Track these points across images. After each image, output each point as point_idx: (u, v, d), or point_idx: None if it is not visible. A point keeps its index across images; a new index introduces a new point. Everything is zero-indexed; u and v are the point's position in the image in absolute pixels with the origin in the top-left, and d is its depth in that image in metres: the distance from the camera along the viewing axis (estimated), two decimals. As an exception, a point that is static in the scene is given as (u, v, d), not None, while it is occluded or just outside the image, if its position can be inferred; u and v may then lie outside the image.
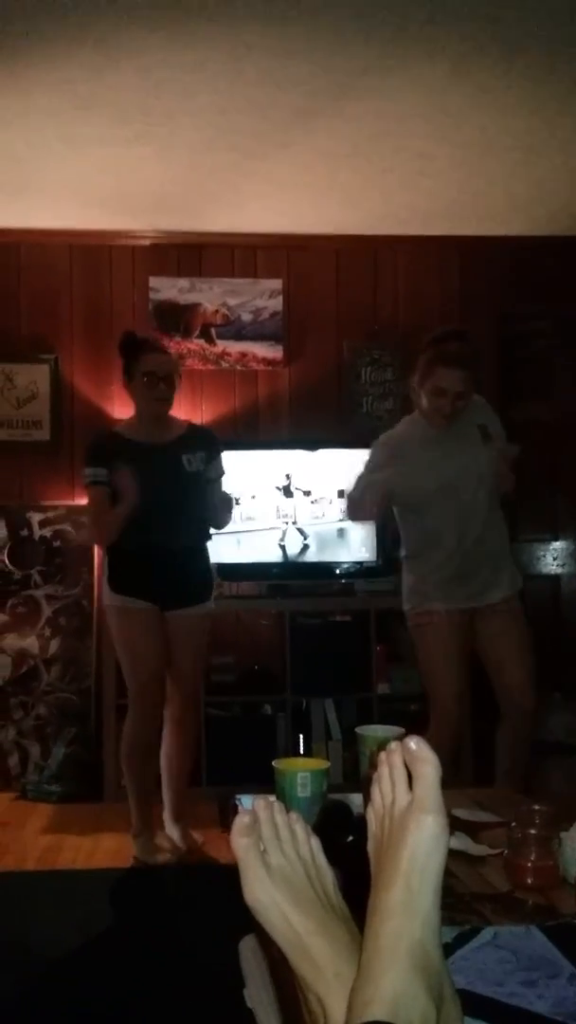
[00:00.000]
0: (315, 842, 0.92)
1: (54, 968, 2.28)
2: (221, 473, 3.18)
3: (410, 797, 0.83)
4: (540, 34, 2.69)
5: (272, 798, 0.93)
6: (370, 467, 2.91)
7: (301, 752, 3.81)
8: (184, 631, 3.09)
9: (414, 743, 0.84)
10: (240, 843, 0.88)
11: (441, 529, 2.85)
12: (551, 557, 4.57)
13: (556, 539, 4.55)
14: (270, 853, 0.89)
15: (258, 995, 1.41)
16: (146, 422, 3.07)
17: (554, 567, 4.57)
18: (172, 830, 3.16)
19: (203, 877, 2.88)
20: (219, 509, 3.17)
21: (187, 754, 3.23)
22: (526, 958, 1.08)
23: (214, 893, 2.69)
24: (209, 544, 3.21)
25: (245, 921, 0.93)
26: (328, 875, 0.91)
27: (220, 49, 2.72)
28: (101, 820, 3.43)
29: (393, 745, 0.87)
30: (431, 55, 2.78)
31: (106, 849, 3.13)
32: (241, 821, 0.89)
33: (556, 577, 4.57)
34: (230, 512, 3.22)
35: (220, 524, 3.21)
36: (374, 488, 2.84)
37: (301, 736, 3.84)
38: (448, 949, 1.00)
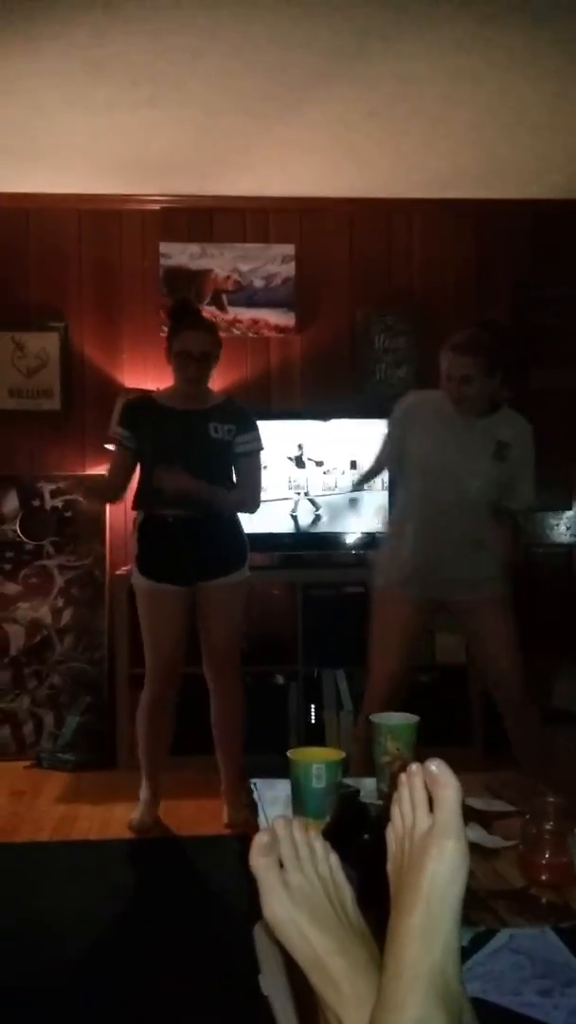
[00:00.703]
0: (334, 858, 0.92)
1: (68, 942, 2.32)
2: (254, 450, 3.11)
3: (430, 821, 0.83)
4: (564, -4, 2.60)
5: (293, 819, 0.93)
6: (389, 422, 3.01)
7: (312, 721, 3.84)
8: (215, 603, 3.06)
9: (435, 766, 0.83)
10: (259, 863, 0.88)
11: (422, 505, 2.86)
12: (564, 527, 4.54)
13: (570, 508, 4.52)
14: (289, 872, 0.88)
15: (273, 982, 1.42)
16: (180, 391, 3.07)
17: (567, 536, 4.54)
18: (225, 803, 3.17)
19: (220, 848, 2.91)
20: (246, 487, 3.10)
21: (232, 722, 3.19)
22: (541, 963, 1.08)
23: (231, 865, 2.73)
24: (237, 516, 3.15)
25: (257, 899, 0.93)
26: (347, 892, 0.91)
27: (230, 12, 2.64)
28: (114, 789, 3.47)
29: (414, 767, 0.86)
30: (452, 16, 2.69)
31: (120, 819, 3.17)
32: (260, 840, 0.89)
33: (569, 546, 4.55)
34: (255, 497, 3.13)
35: (244, 505, 3.12)
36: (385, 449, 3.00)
37: (312, 706, 3.86)
38: (464, 953, 1.00)
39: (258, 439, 3.12)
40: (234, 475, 3.11)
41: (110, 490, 3.21)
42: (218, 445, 3.03)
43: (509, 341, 3.01)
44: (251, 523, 3.96)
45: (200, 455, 3.00)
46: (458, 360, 2.76)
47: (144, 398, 3.19)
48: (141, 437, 3.03)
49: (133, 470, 3.10)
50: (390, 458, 3.03)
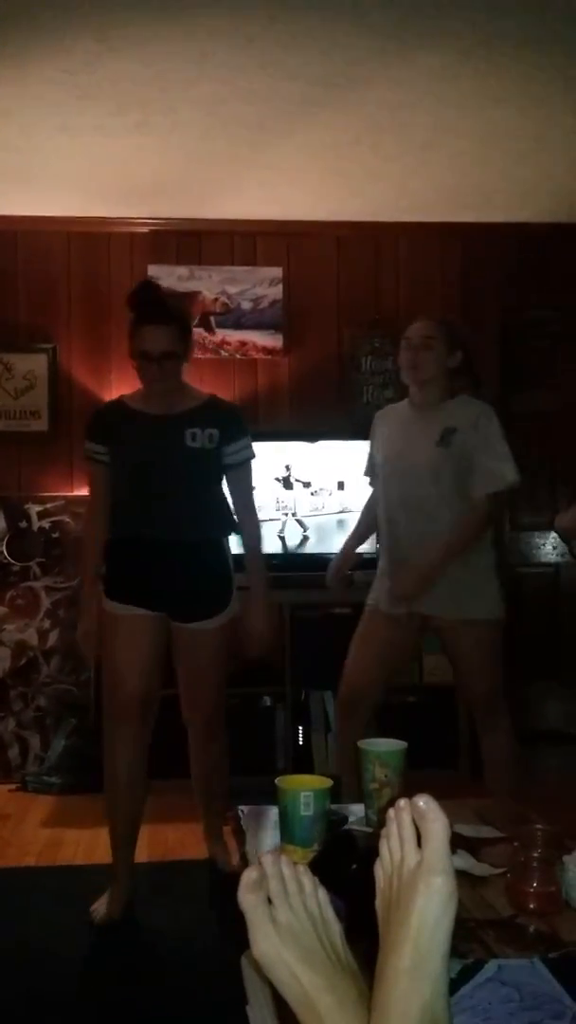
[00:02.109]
0: (323, 894, 0.92)
1: (53, 968, 2.30)
2: (244, 459, 2.67)
3: (419, 856, 0.83)
4: (551, 27, 2.64)
5: (281, 855, 0.93)
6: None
7: (300, 743, 3.83)
8: (193, 647, 2.65)
9: (423, 802, 0.84)
10: (248, 899, 0.88)
11: (387, 514, 2.81)
12: (550, 546, 4.57)
13: (554, 528, 4.54)
14: (278, 908, 0.88)
15: (261, 1013, 1.42)
16: (150, 393, 2.62)
17: (553, 556, 4.57)
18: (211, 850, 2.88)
19: (206, 873, 2.89)
20: (244, 509, 2.69)
21: (217, 776, 2.82)
22: (530, 996, 1.08)
23: (221, 891, 2.71)
24: (228, 540, 2.72)
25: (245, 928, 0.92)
26: (336, 928, 0.91)
27: (221, 39, 2.67)
28: (101, 812, 3.43)
29: (402, 803, 0.86)
30: (437, 45, 2.73)
31: (106, 843, 3.14)
32: (248, 877, 0.89)
33: (555, 566, 4.58)
34: (255, 518, 2.74)
35: (254, 538, 2.72)
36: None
37: (300, 728, 3.85)
38: (453, 984, 1.00)
39: (249, 446, 2.68)
40: (221, 483, 2.69)
41: (92, 517, 2.72)
42: (197, 456, 2.57)
43: (468, 339, 2.92)
44: (238, 544, 3.97)
45: (174, 469, 2.57)
46: (419, 325, 2.77)
47: (115, 404, 2.75)
48: (114, 450, 2.62)
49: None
50: (370, 476, 3.02)
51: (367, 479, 3.06)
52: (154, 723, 2.63)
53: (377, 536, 2.94)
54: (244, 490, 2.70)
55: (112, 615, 2.60)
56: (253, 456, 2.71)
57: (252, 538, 2.73)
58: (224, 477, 2.67)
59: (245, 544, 2.72)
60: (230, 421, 2.65)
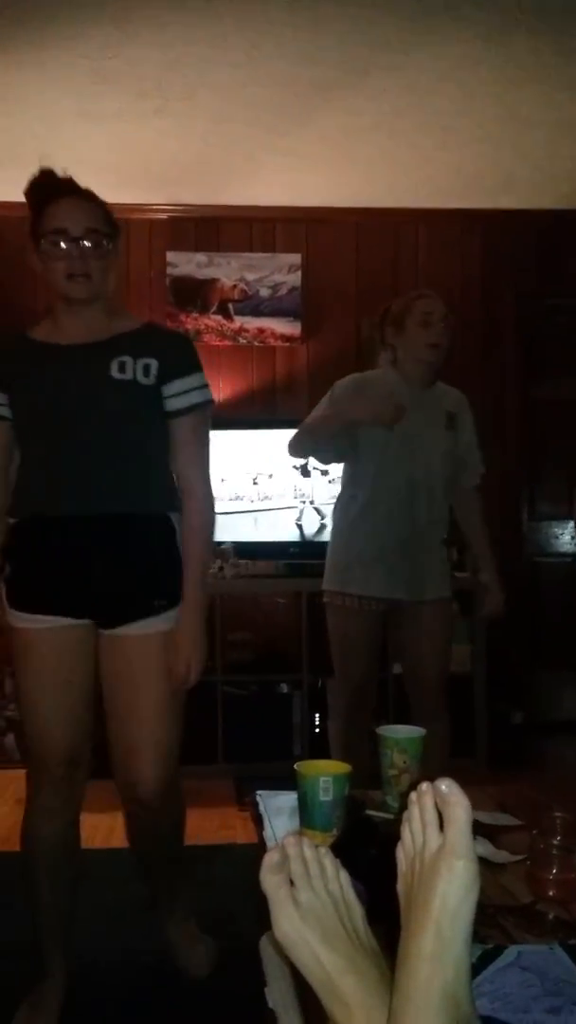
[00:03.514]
0: (344, 877, 0.92)
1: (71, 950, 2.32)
2: (193, 403, 1.87)
3: (441, 840, 0.83)
4: (573, 12, 2.61)
5: (303, 837, 0.93)
6: (331, 400, 2.69)
7: (316, 730, 3.83)
8: (128, 663, 1.85)
9: (445, 786, 0.84)
10: (270, 881, 0.88)
11: (381, 496, 2.65)
12: (568, 536, 4.54)
13: (572, 518, 4.52)
14: (300, 890, 0.89)
15: (280, 995, 1.42)
16: (63, 313, 1.86)
17: (571, 546, 4.55)
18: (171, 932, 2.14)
19: (224, 857, 2.91)
20: (192, 473, 1.90)
21: (162, 846, 2.04)
22: (550, 981, 1.08)
23: (235, 875, 2.72)
24: (174, 516, 1.89)
25: (265, 910, 0.92)
26: (357, 910, 0.91)
27: (240, 23, 2.66)
28: (117, 796, 3.46)
29: (424, 786, 0.86)
30: (460, 29, 2.71)
31: (122, 828, 3.16)
32: (270, 859, 0.89)
33: (573, 556, 4.56)
34: (207, 490, 1.93)
35: (190, 504, 1.90)
36: (341, 414, 2.59)
37: (317, 715, 3.85)
38: (472, 970, 1.00)
39: (203, 386, 1.90)
40: (163, 437, 1.88)
41: None
42: (127, 392, 1.81)
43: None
44: (256, 531, 3.98)
45: (95, 414, 1.80)
46: (435, 302, 2.66)
47: (12, 337, 1.93)
48: (16, 398, 1.85)
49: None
50: (337, 443, 2.69)
51: (327, 453, 2.80)
52: (88, 776, 1.93)
53: (355, 518, 2.69)
54: (192, 448, 1.90)
55: (20, 633, 1.85)
56: (208, 401, 1.91)
57: (198, 515, 1.90)
58: (172, 426, 1.88)
59: (185, 523, 1.89)
60: (175, 348, 1.89)
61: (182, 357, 1.89)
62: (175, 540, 1.89)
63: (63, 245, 1.78)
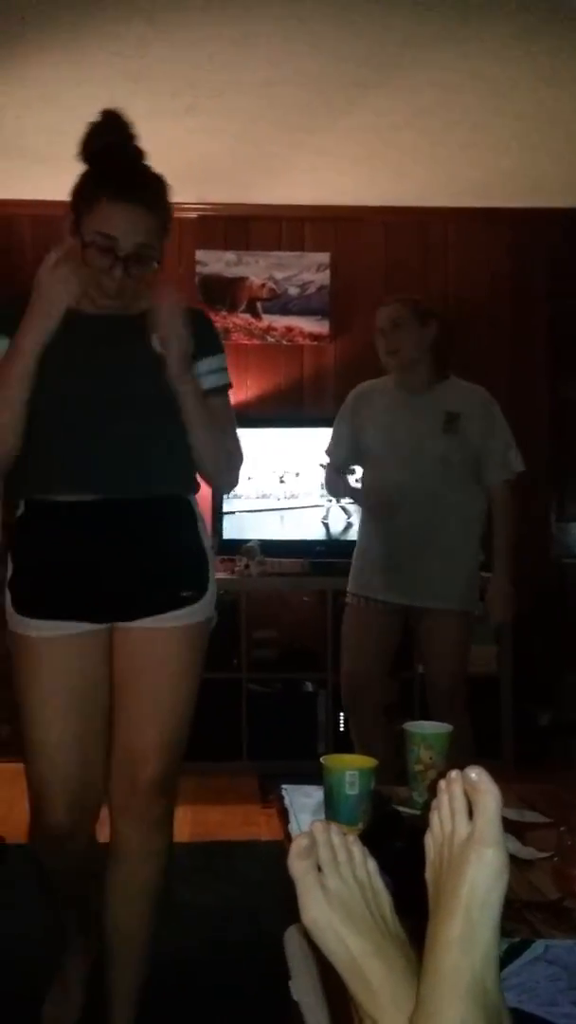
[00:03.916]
0: (372, 864, 0.92)
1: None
2: (223, 383, 1.78)
3: (470, 828, 0.83)
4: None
5: (331, 824, 0.93)
6: (338, 418, 2.93)
7: (341, 728, 3.83)
8: (148, 659, 1.66)
9: (475, 773, 0.83)
10: (298, 866, 0.88)
11: (387, 501, 2.73)
12: (597, 537, 4.50)
13: (602, 519, 4.48)
14: (327, 876, 0.89)
15: (304, 988, 1.42)
16: (92, 288, 1.66)
17: (600, 547, 4.50)
18: None
19: (246, 854, 2.91)
20: (224, 446, 1.75)
21: (143, 902, 1.72)
22: (578, 976, 1.07)
23: (256, 870, 2.73)
24: (196, 499, 1.77)
25: (288, 904, 0.93)
26: (385, 898, 0.91)
27: (271, 22, 2.67)
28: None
29: (453, 774, 0.86)
30: (490, 26, 2.70)
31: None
32: (299, 844, 0.89)
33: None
34: (238, 461, 1.80)
35: (223, 473, 1.79)
36: (341, 482, 2.95)
37: (341, 714, 3.85)
38: (499, 963, 0.99)
39: (226, 368, 1.80)
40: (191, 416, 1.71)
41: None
42: (160, 368, 1.65)
43: (440, 319, 2.85)
44: (282, 529, 3.98)
45: (135, 389, 1.66)
46: (384, 310, 2.77)
47: (25, 294, 1.66)
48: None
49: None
50: (346, 459, 2.93)
51: (330, 463, 2.96)
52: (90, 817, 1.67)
53: (367, 524, 2.85)
54: (229, 422, 1.78)
55: (27, 642, 1.62)
56: (230, 384, 1.82)
57: (225, 472, 1.80)
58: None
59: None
60: (205, 327, 1.76)
61: (212, 336, 1.78)
62: (201, 526, 1.76)
63: (107, 257, 1.61)
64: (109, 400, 1.65)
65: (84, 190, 1.66)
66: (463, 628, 2.78)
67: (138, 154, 1.74)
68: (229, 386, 1.81)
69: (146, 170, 1.71)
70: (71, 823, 1.64)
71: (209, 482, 1.84)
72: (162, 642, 1.67)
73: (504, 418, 2.78)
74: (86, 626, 1.62)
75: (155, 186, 1.70)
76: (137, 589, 1.66)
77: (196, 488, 1.78)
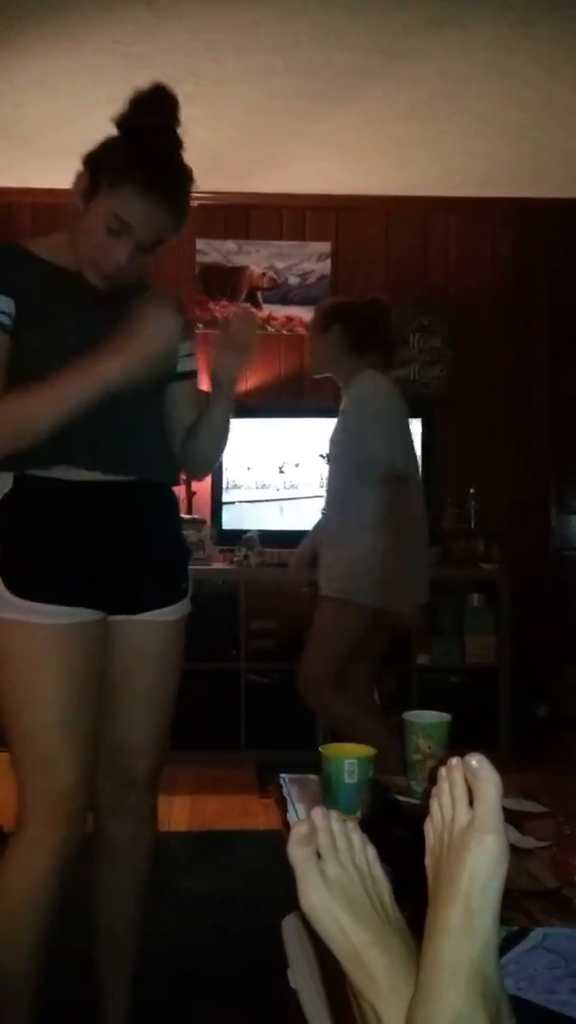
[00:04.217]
0: (371, 851, 0.92)
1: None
2: (195, 368, 1.75)
3: (470, 815, 0.82)
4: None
5: (331, 811, 0.93)
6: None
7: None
8: (148, 652, 1.61)
9: (475, 761, 0.83)
10: (297, 853, 0.88)
11: (418, 514, 2.83)
12: (597, 530, 4.50)
13: (602, 511, 4.48)
14: (327, 863, 0.89)
15: (303, 976, 1.43)
16: (87, 258, 1.58)
17: (600, 540, 4.50)
18: None
19: (244, 843, 2.92)
20: (213, 429, 1.68)
21: (132, 892, 1.70)
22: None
23: (253, 860, 2.73)
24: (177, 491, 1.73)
25: (286, 893, 0.93)
26: (384, 885, 0.91)
27: (272, 9, 2.65)
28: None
29: (454, 761, 0.86)
30: (494, 15, 2.69)
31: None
32: (298, 831, 0.89)
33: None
34: (224, 442, 1.73)
35: (206, 460, 1.74)
36: None
37: (340, 704, 3.85)
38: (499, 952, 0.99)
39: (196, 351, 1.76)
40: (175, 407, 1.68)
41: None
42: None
43: (382, 316, 2.91)
44: (282, 520, 3.97)
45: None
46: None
47: (25, 251, 1.59)
48: (29, 314, 1.50)
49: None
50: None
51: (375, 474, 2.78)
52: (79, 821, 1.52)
53: (398, 535, 2.73)
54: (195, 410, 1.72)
55: (21, 628, 1.47)
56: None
57: (207, 456, 1.74)
58: (173, 388, 1.68)
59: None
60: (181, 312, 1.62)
61: (187, 322, 1.68)
62: (178, 516, 1.73)
63: (113, 238, 1.54)
64: None
65: (114, 162, 1.56)
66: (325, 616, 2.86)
67: (178, 144, 1.63)
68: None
69: (181, 166, 1.61)
70: (79, 779, 1.49)
71: (191, 473, 1.82)
72: (161, 636, 1.63)
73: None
74: (86, 613, 1.51)
75: (185, 187, 1.61)
76: (144, 580, 1.60)
77: (177, 480, 1.73)
